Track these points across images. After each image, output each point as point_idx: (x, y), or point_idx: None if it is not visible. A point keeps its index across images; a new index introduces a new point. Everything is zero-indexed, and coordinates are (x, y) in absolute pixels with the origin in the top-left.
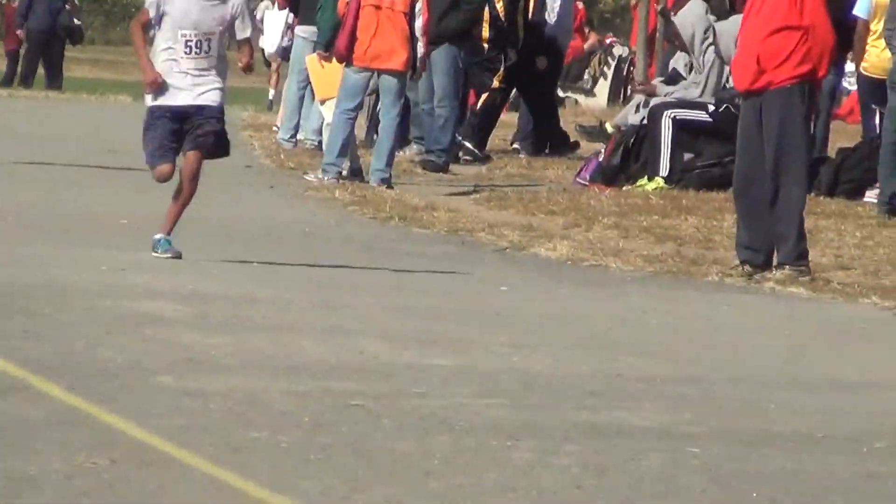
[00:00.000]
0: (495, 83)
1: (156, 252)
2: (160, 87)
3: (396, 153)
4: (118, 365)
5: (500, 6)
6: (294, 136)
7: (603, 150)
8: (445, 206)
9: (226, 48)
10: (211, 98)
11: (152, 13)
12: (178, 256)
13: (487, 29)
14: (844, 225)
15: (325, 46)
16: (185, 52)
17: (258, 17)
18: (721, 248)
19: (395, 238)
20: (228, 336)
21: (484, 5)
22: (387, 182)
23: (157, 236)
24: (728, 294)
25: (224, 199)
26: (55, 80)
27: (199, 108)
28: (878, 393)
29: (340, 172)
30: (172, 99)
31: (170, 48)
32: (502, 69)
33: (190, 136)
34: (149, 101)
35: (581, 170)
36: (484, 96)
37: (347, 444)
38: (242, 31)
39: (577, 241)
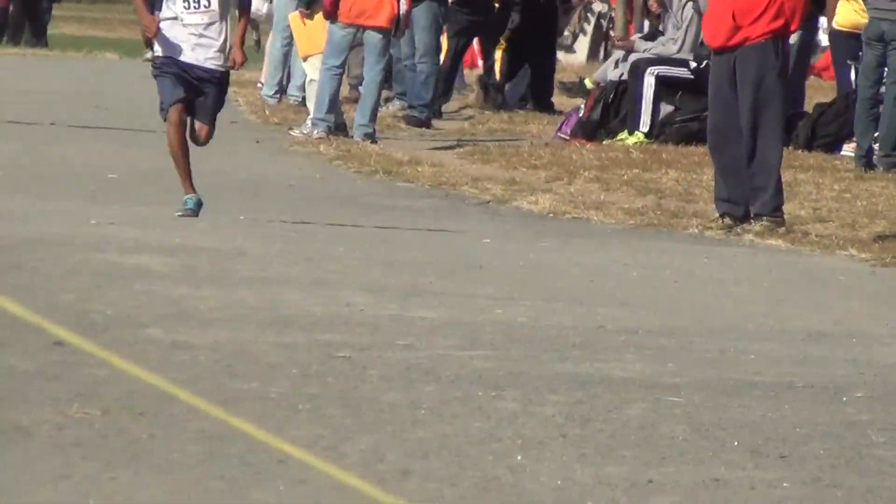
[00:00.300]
0: (502, 43)
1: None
2: (156, 31)
3: (378, 108)
4: (108, 318)
5: None
6: (278, 92)
7: (583, 106)
8: (429, 161)
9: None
10: (216, 64)
11: None
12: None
13: None
14: (822, 178)
15: (306, 4)
16: (185, 8)
17: None
18: (701, 201)
19: (380, 192)
20: (216, 289)
21: None
22: (371, 137)
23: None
24: (708, 246)
25: (210, 155)
26: (40, 37)
27: (206, 71)
28: (856, 344)
29: (329, 127)
30: (179, 53)
31: (171, 7)
32: (507, 30)
33: (200, 104)
34: (157, 51)
35: (561, 125)
36: (499, 54)
37: (335, 395)
38: None
39: (559, 194)
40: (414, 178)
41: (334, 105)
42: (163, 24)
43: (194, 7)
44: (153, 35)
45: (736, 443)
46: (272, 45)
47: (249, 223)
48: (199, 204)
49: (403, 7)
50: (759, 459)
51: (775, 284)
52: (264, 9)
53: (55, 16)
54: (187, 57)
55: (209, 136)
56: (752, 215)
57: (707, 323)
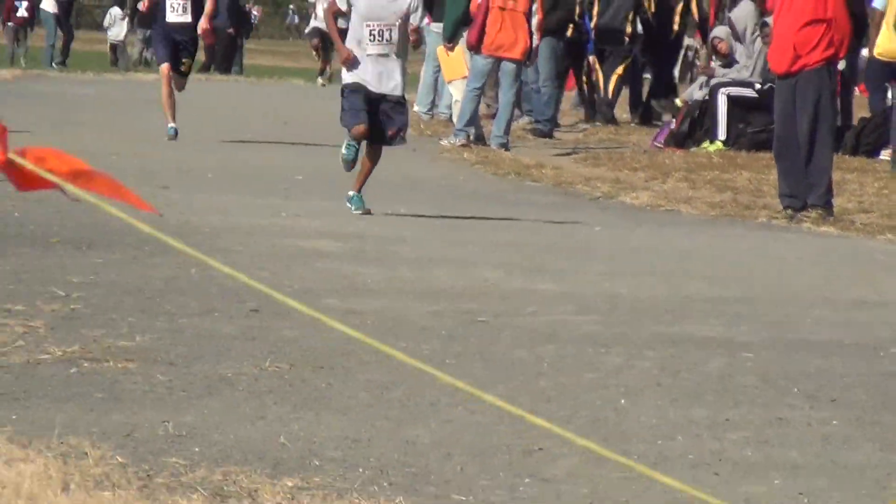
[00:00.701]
0: (620, 70)
1: (349, 205)
2: (353, 62)
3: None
4: (295, 291)
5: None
6: (430, 109)
7: (674, 120)
8: (551, 165)
9: (406, 45)
10: (394, 89)
11: (343, 7)
12: (368, 212)
13: (630, 26)
14: (864, 178)
15: (449, 39)
16: (370, 40)
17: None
18: (768, 196)
19: (512, 190)
20: (380, 267)
21: (574, 7)
22: (504, 146)
23: (350, 193)
24: (774, 233)
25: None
26: (239, 67)
27: (385, 97)
28: (892, 310)
29: (469, 136)
30: (362, 79)
31: (357, 37)
32: (628, 62)
33: (377, 129)
34: (344, 79)
35: (657, 135)
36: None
37: (475, 353)
38: (416, 20)
39: (655, 191)
40: (539, 179)
41: (474, 119)
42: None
43: (378, 40)
44: (350, 64)
45: (795, 390)
46: (424, 72)
47: (407, 215)
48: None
49: (535, 41)
50: (814, 402)
51: (828, 263)
52: None
53: (253, 49)
54: (373, 87)
55: (395, 136)
56: (808, 205)
57: (773, 293)
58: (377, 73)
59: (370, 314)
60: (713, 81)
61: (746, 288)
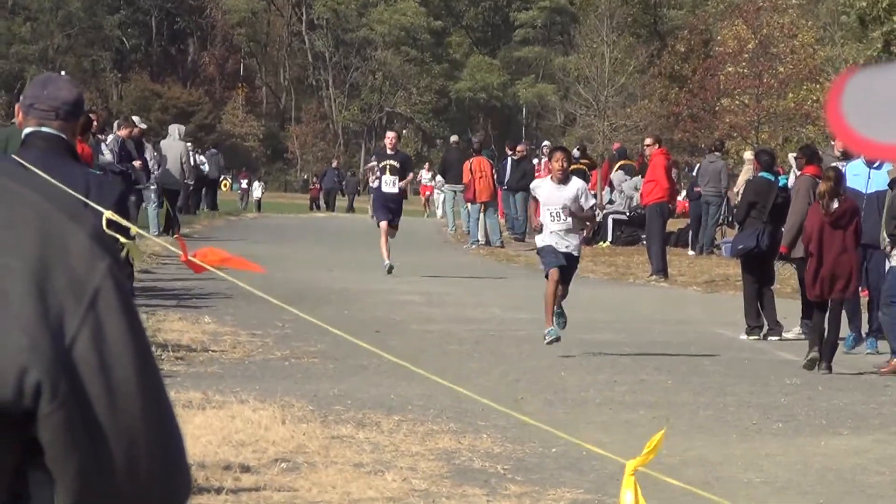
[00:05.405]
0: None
1: (547, 339)
2: (541, 228)
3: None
4: (398, 321)
5: None
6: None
7: (585, 231)
8: (523, 255)
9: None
10: (571, 251)
11: (534, 194)
12: (558, 339)
13: None
14: (680, 259)
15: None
16: (550, 220)
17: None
18: (635, 269)
19: (504, 268)
20: (440, 308)
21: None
22: (501, 244)
23: (547, 328)
24: (636, 287)
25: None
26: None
27: (565, 255)
28: (692, 325)
29: (478, 243)
30: (550, 243)
31: (543, 217)
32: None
33: (564, 274)
34: (538, 243)
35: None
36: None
37: (488, 350)
38: (585, 204)
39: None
40: (517, 262)
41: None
42: (544, 230)
43: (556, 219)
44: (539, 229)
45: (651, 366)
46: (462, 214)
47: (454, 281)
48: (558, 338)
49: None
50: (661, 372)
51: (662, 300)
52: None
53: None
54: (558, 247)
55: (566, 293)
56: (653, 273)
57: (634, 316)
58: (556, 241)
59: (435, 331)
60: (605, 210)
61: (622, 314)
